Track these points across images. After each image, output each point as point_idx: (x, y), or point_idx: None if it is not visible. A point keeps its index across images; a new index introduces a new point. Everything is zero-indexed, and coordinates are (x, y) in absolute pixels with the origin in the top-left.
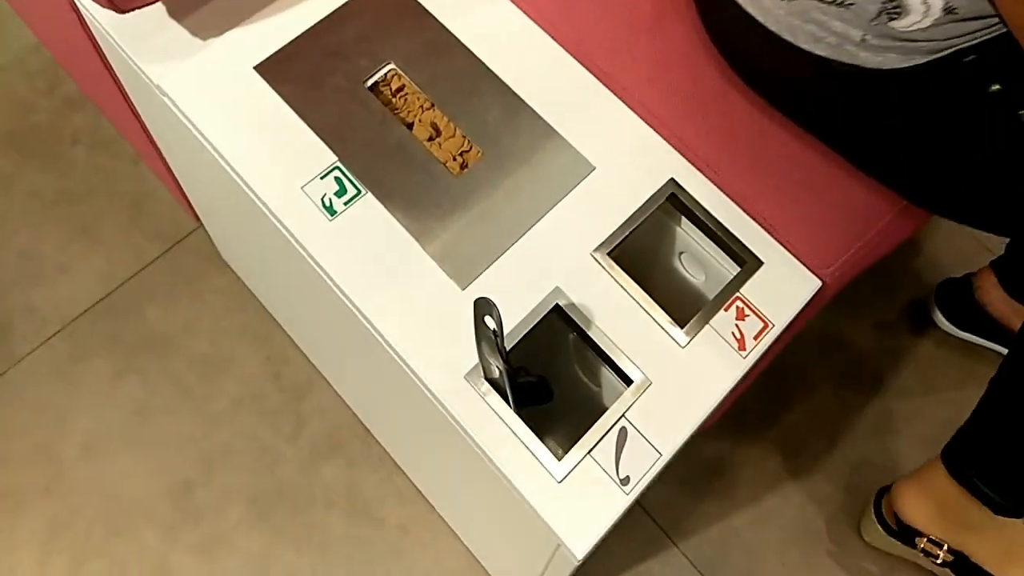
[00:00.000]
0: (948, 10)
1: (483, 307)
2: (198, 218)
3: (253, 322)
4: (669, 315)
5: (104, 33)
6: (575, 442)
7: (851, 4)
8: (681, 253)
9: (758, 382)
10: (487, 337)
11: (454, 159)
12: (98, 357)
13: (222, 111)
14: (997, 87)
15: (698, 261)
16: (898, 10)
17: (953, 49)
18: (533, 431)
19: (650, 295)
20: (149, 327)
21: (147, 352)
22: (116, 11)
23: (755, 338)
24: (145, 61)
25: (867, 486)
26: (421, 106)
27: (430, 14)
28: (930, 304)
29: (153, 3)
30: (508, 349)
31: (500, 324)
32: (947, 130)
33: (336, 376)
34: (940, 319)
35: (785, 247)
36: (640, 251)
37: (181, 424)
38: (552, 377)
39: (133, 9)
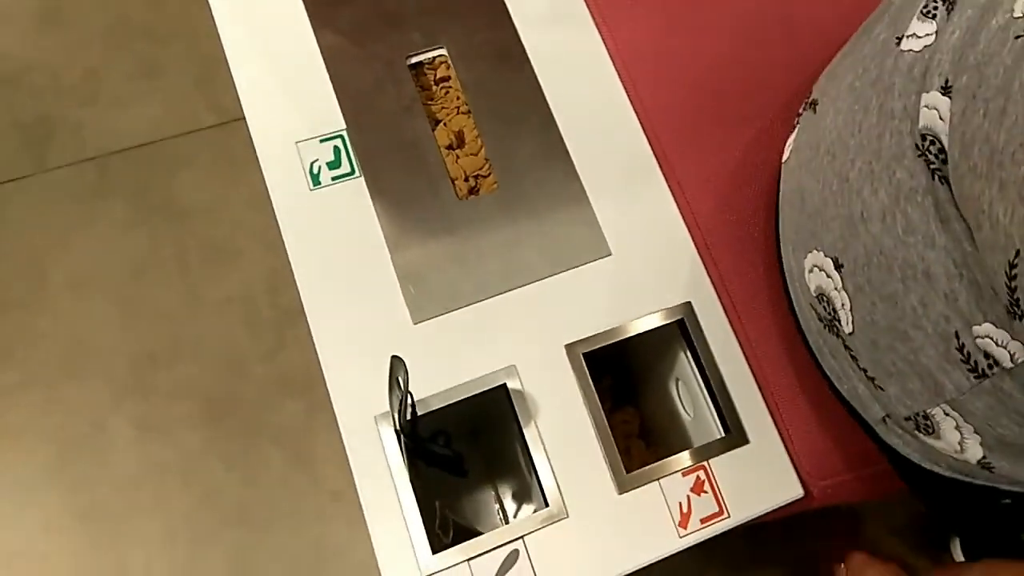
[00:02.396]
0: (984, 465)
1: (396, 367)
2: None
3: (271, 230)
4: (620, 452)
5: None
6: (461, 539)
7: None
8: (678, 379)
9: None
10: (398, 397)
11: (466, 180)
12: (119, 199)
13: (252, 28)
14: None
15: (691, 397)
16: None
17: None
18: (422, 511)
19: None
20: (176, 192)
21: (166, 215)
22: None
23: (702, 521)
24: None
25: None
26: (457, 107)
27: (508, 14)
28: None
29: None
30: (437, 408)
31: (405, 385)
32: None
33: None
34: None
35: (782, 436)
36: (638, 351)
37: (169, 298)
38: (489, 445)
39: None
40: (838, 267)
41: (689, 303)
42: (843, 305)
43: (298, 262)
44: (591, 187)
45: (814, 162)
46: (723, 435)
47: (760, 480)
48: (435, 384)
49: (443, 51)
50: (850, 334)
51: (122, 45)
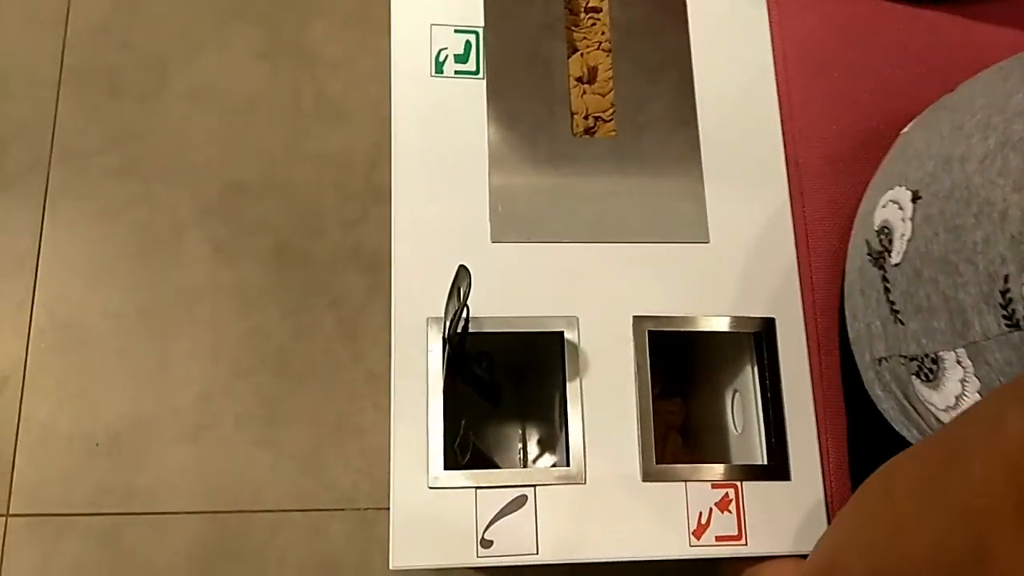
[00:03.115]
0: None
1: (461, 277)
2: None
3: (386, 105)
4: (655, 442)
5: None
6: (472, 459)
7: None
8: (736, 391)
9: None
10: (454, 307)
11: (586, 117)
12: (256, 27)
13: None
14: None
15: (744, 413)
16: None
17: None
18: (446, 425)
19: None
20: (309, 38)
21: (293, 57)
22: None
23: (717, 539)
24: None
25: None
26: (599, 42)
27: None
28: None
29: None
30: (489, 332)
31: (464, 298)
32: None
33: None
34: None
35: (826, 487)
36: (705, 346)
37: (273, 136)
38: (530, 385)
39: None
40: (915, 199)
41: (772, 320)
42: (902, 235)
43: (399, 141)
44: (710, 166)
45: (930, 116)
46: (765, 462)
47: (788, 520)
48: (494, 308)
49: None
50: (895, 265)
51: None
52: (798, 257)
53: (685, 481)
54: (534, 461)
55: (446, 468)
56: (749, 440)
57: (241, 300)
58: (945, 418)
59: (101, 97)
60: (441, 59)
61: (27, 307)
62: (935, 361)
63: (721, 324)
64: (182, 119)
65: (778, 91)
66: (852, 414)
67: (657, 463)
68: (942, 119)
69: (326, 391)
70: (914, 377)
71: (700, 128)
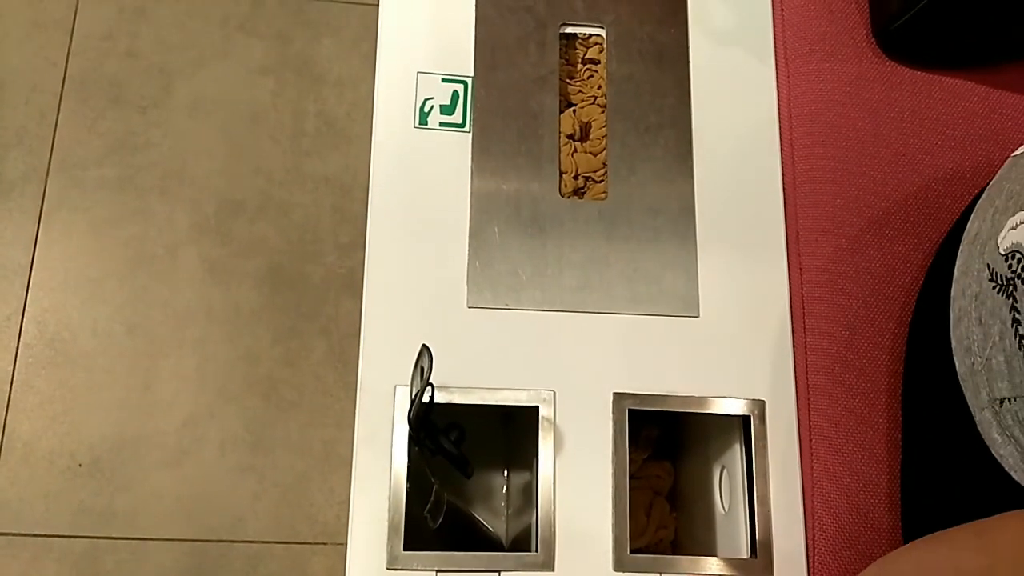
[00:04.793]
0: None
1: (422, 356)
2: None
3: None
4: (640, 508)
5: None
6: (449, 529)
7: None
8: (724, 467)
9: None
10: (418, 386)
11: (575, 177)
12: (261, 40)
13: None
14: None
15: (731, 493)
16: None
17: None
18: (409, 501)
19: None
20: (315, 55)
21: (298, 73)
22: None
23: None
24: None
25: None
26: (595, 97)
27: (687, 15)
28: None
29: None
30: (458, 403)
31: (427, 376)
32: None
33: None
34: None
35: None
36: (695, 418)
37: (273, 154)
38: (513, 437)
39: None
40: None
41: (763, 402)
42: None
43: (376, 194)
44: (704, 235)
45: None
46: (749, 556)
47: None
48: (467, 377)
49: (602, 31)
50: None
51: None
52: (793, 337)
53: (660, 574)
54: (517, 516)
55: (405, 549)
56: (735, 524)
57: (232, 322)
58: None
59: (103, 106)
60: (426, 109)
61: (17, 320)
62: None
63: (707, 406)
64: (183, 132)
65: (782, 157)
66: (947, 445)
67: (631, 552)
68: None
69: (314, 419)
70: None
71: (696, 194)
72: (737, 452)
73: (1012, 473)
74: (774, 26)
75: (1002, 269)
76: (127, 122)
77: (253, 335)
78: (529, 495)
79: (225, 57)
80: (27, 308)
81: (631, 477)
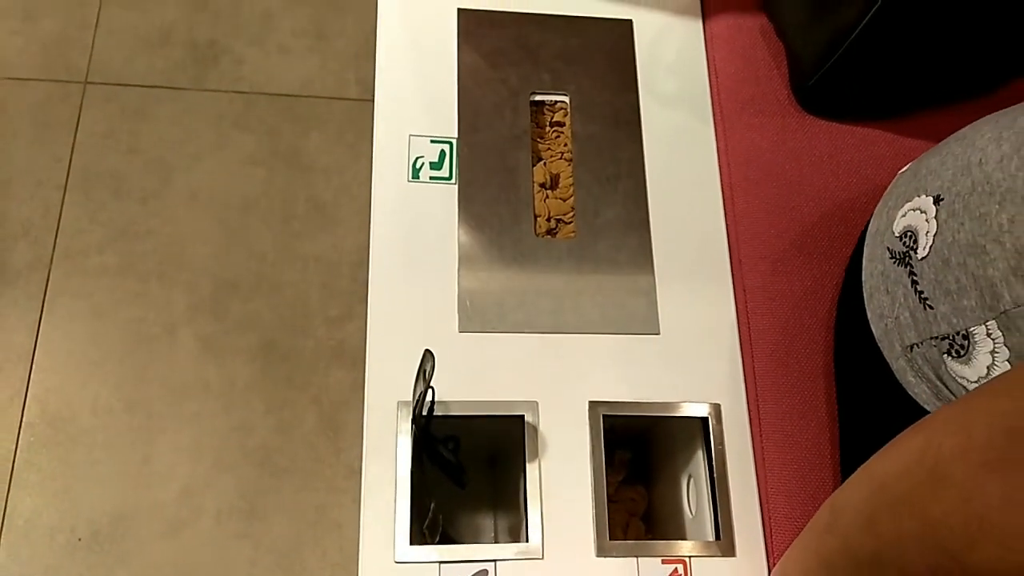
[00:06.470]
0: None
1: (426, 360)
2: None
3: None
4: (618, 527)
5: None
6: (442, 541)
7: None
8: (690, 476)
9: None
10: (420, 389)
11: (548, 219)
12: (253, 136)
13: (407, 23)
14: None
15: (698, 497)
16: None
17: None
18: (413, 505)
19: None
20: (303, 146)
21: (287, 164)
22: None
23: None
24: None
25: None
26: (561, 152)
27: (636, 83)
28: None
29: None
30: (453, 415)
31: (429, 378)
32: None
33: None
34: None
35: (769, 565)
36: (662, 435)
37: (265, 238)
38: (501, 475)
39: None
40: (937, 201)
41: (718, 405)
42: (927, 232)
43: (377, 239)
44: (660, 266)
45: (937, 148)
46: (714, 539)
47: None
48: (460, 393)
49: (566, 98)
50: (922, 258)
51: (303, 1)
52: (741, 347)
53: (637, 557)
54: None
55: (411, 544)
56: (702, 520)
57: (227, 395)
58: None
59: (105, 198)
60: (417, 166)
61: (19, 401)
62: (966, 337)
63: (671, 410)
64: (180, 219)
65: (723, 198)
66: (875, 411)
67: (610, 539)
68: (951, 145)
69: (306, 485)
70: (946, 356)
71: (652, 231)
72: (700, 456)
73: (927, 407)
74: (710, 90)
75: (898, 247)
76: (128, 212)
77: (247, 407)
78: (516, 495)
79: (220, 150)
80: (30, 389)
81: (608, 500)
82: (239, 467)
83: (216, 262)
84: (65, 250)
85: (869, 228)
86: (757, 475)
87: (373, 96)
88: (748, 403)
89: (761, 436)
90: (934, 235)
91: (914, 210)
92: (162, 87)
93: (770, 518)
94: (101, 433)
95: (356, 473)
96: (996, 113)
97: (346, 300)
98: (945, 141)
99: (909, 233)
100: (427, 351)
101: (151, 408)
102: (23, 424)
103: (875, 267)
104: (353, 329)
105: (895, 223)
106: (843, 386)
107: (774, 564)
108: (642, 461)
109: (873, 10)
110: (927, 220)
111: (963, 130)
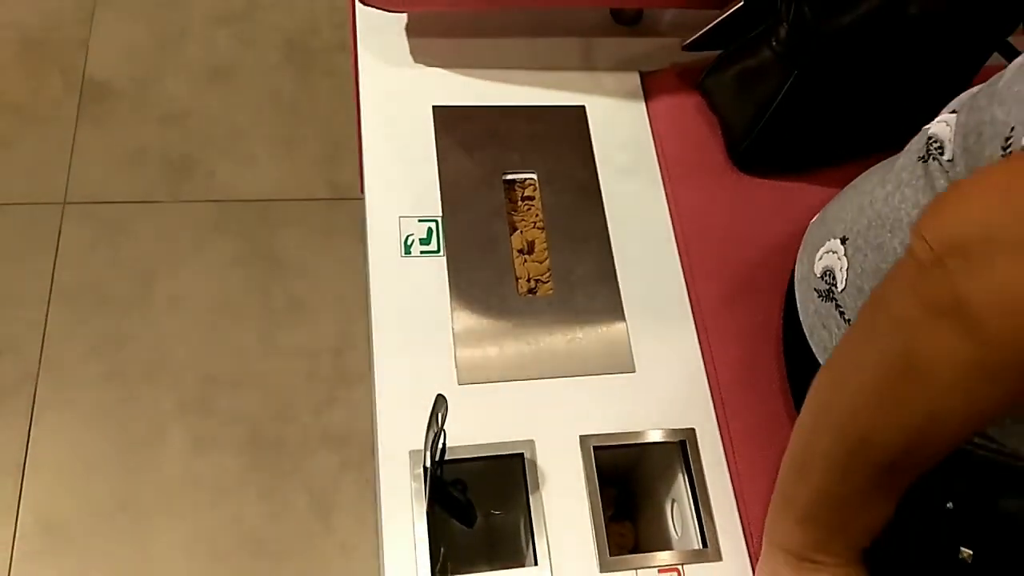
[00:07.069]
0: None
1: (439, 405)
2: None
3: (349, 299)
4: (609, 540)
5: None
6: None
7: None
8: (673, 500)
9: None
10: (434, 431)
11: (528, 280)
12: (230, 239)
13: (388, 120)
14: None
15: (682, 518)
16: None
17: None
18: (431, 541)
19: (620, 511)
20: (278, 246)
21: (264, 263)
22: (366, 4)
23: None
24: (364, 46)
25: None
26: (534, 221)
27: (594, 159)
28: None
29: (399, 11)
30: (460, 459)
31: (442, 422)
32: None
33: None
34: None
35: (752, 565)
36: (644, 468)
37: (247, 334)
38: (501, 503)
39: (381, 8)
40: (843, 241)
41: (693, 429)
42: (841, 268)
43: (377, 310)
44: (630, 311)
45: (839, 196)
46: (701, 547)
47: None
48: (464, 439)
49: (534, 175)
50: (842, 290)
51: (270, 113)
52: (707, 376)
53: (636, 569)
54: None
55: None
56: (687, 535)
57: (219, 490)
58: None
59: (88, 309)
60: (408, 243)
61: (13, 513)
62: None
63: (652, 436)
64: (163, 323)
65: (678, 249)
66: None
67: (611, 555)
68: (847, 193)
69: (303, 568)
70: None
71: (620, 282)
72: (681, 479)
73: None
74: (658, 159)
75: (822, 287)
76: (111, 321)
77: (239, 496)
78: (517, 528)
79: (198, 255)
80: (22, 501)
81: None
82: (235, 556)
83: (200, 360)
84: (51, 362)
85: (795, 274)
86: (733, 486)
87: (344, 196)
88: (719, 425)
89: (733, 452)
90: (847, 269)
91: (828, 252)
92: (139, 202)
93: (749, 523)
94: (95, 536)
95: (349, 549)
96: (881, 162)
97: (328, 386)
98: (843, 190)
99: (828, 272)
100: (439, 396)
101: (144, 507)
102: (16, 537)
103: (808, 307)
104: (336, 413)
105: (815, 266)
106: (798, 401)
107: (756, 562)
108: (627, 497)
109: (787, 84)
110: (839, 258)
111: (856, 179)
